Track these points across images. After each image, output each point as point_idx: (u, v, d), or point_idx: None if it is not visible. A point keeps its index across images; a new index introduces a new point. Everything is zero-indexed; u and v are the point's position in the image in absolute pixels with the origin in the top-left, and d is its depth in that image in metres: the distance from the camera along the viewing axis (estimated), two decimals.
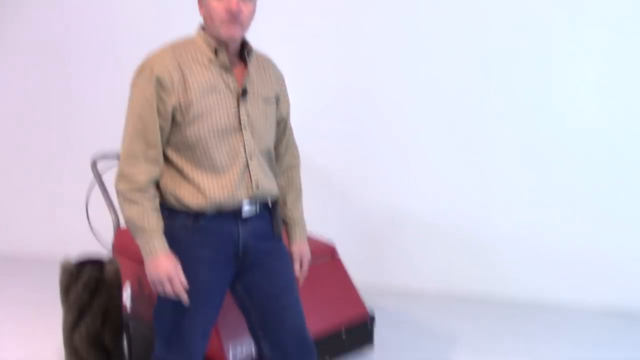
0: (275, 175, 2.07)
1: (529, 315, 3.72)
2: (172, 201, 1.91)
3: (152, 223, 1.85)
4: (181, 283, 1.86)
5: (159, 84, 1.82)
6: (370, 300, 3.01)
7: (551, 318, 3.68)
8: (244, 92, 1.90)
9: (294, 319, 2.05)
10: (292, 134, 2.17)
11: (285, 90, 2.09)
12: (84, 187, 3.13)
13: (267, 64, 2.04)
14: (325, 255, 2.94)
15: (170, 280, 1.84)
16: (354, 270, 3.11)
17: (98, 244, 3.12)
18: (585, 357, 3.21)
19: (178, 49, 1.89)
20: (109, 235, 3.10)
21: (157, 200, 1.90)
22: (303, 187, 2.19)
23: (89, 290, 2.59)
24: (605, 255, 3.74)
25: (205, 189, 1.87)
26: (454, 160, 3.96)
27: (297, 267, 2.12)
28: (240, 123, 1.89)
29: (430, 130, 3.98)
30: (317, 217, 3.89)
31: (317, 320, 2.71)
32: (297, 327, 2.06)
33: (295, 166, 2.16)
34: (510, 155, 3.89)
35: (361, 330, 2.95)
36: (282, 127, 2.10)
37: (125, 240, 2.98)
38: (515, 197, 3.90)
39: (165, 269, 1.84)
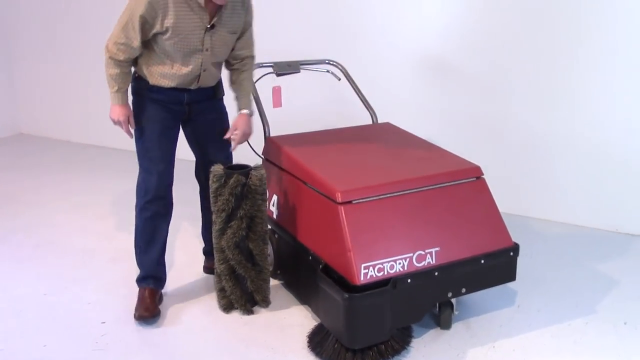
0: (231, 63, 2.94)
1: None
2: (145, 75, 2.77)
3: (123, 83, 2.74)
4: (129, 124, 2.79)
5: (150, 9, 2.55)
6: (513, 230, 2.77)
7: None
8: (212, 27, 2.68)
9: (222, 157, 2.94)
10: (252, 31, 2.91)
11: (250, 8, 2.83)
12: None
13: (241, 2, 2.75)
14: (470, 176, 2.77)
15: (120, 122, 2.78)
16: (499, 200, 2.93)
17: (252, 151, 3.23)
18: None
19: None
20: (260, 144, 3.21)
21: (132, 69, 2.79)
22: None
23: (235, 196, 2.70)
24: None
25: (168, 76, 2.74)
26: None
27: (230, 134, 2.90)
28: (203, 46, 2.71)
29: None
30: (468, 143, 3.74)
31: (455, 244, 2.61)
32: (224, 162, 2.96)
33: (249, 56, 2.96)
34: None
35: (502, 261, 2.72)
36: (246, 27, 2.86)
37: (273, 149, 3.07)
38: None
39: (119, 113, 2.76)
